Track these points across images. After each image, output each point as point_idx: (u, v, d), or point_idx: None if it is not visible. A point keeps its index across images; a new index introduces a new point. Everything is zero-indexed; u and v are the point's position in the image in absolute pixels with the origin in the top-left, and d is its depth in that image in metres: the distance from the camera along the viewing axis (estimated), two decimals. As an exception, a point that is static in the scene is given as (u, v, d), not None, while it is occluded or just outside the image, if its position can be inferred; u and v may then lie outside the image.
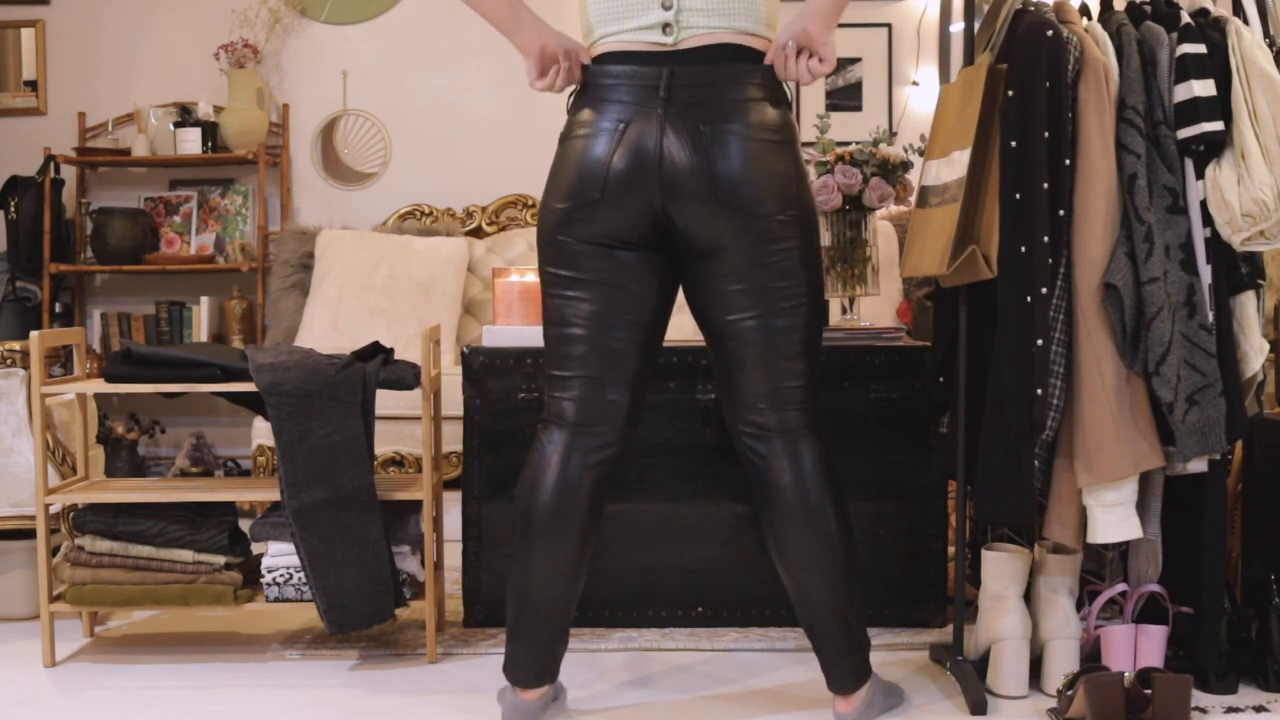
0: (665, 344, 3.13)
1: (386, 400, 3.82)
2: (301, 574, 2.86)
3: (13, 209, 5.04)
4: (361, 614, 2.82)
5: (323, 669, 2.87)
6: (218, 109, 5.16)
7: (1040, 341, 2.47)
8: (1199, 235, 2.51)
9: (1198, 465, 2.52)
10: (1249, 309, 2.58)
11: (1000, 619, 2.61)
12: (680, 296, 2.46)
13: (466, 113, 5.24)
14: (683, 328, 3.30)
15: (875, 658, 2.86)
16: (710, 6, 2.27)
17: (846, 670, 2.45)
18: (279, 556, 2.87)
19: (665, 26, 2.28)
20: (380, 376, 2.88)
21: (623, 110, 2.28)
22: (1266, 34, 2.63)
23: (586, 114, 2.33)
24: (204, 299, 5.09)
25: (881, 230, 4.67)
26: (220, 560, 2.91)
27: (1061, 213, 2.50)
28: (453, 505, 3.59)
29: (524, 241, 5.05)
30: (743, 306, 2.35)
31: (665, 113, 2.26)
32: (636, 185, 2.28)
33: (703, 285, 2.38)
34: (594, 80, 2.34)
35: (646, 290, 2.37)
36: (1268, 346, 2.60)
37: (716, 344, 2.43)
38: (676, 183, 2.26)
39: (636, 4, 2.30)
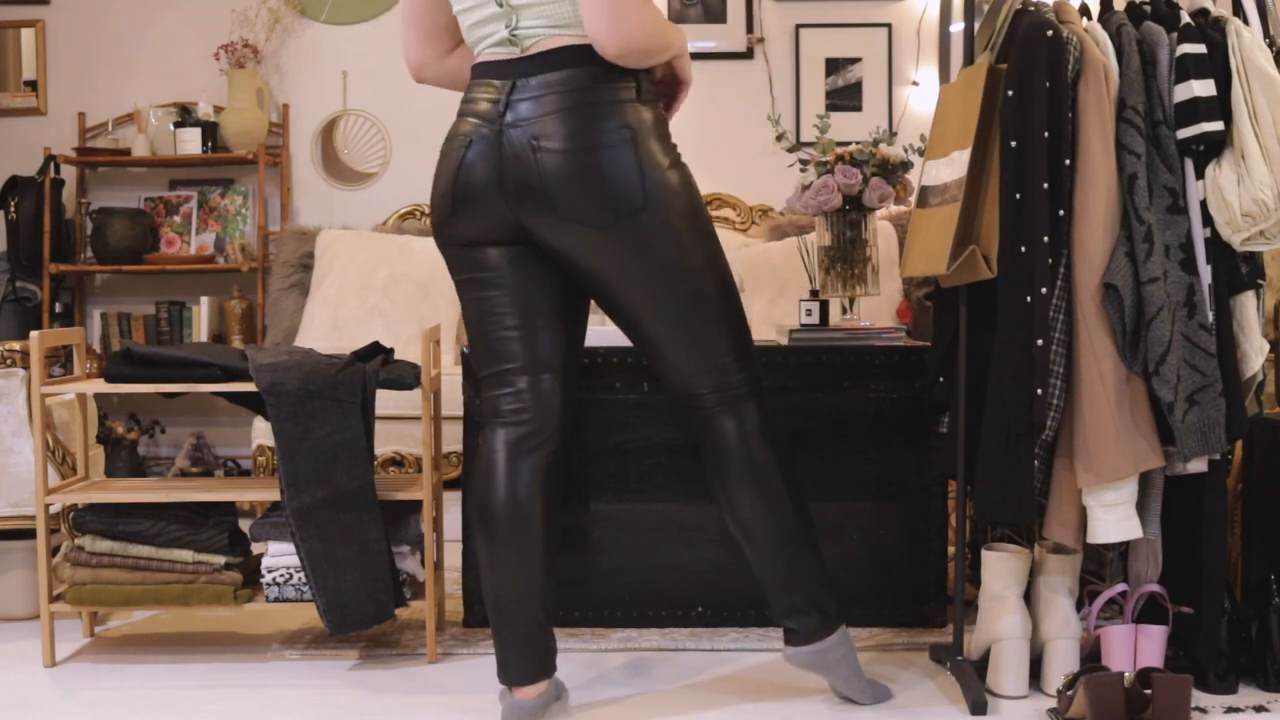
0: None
1: (386, 400, 3.81)
2: (301, 574, 2.86)
3: (13, 209, 5.04)
4: (361, 614, 2.82)
5: (323, 669, 2.87)
6: (218, 109, 5.15)
7: (1040, 341, 2.47)
8: (1199, 235, 2.51)
9: (1198, 465, 2.52)
10: (1249, 309, 2.58)
11: (1000, 619, 2.61)
12: None
13: (466, 113, 5.22)
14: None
15: (875, 657, 2.87)
16: (542, 24, 2.27)
17: (810, 622, 2.49)
18: (279, 556, 2.87)
19: (510, 41, 2.31)
20: (380, 376, 2.88)
21: (471, 128, 2.33)
22: (1266, 34, 2.62)
23: (452, 127, 2.38)
24: (204, 299, 5.08)
25: (881, 230, 4.67)
26: (220, 560, 2.91)
27: (1061, 213, 2.49)
28: (453, 505, 3.59)
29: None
30: (638, 312, 2.38)
31: (503, 131, 2.28)
32: (485, 202, 2.32)
33: (592, 292, 2.42)
34: (466, 93, 2.40)
35: (549, 276, 2.39)
36: (1268, 346, 2.60)
37: (632, 340, 2.47)
38: (519, 201, 2.29)
39: (485, 29, 2.33)
